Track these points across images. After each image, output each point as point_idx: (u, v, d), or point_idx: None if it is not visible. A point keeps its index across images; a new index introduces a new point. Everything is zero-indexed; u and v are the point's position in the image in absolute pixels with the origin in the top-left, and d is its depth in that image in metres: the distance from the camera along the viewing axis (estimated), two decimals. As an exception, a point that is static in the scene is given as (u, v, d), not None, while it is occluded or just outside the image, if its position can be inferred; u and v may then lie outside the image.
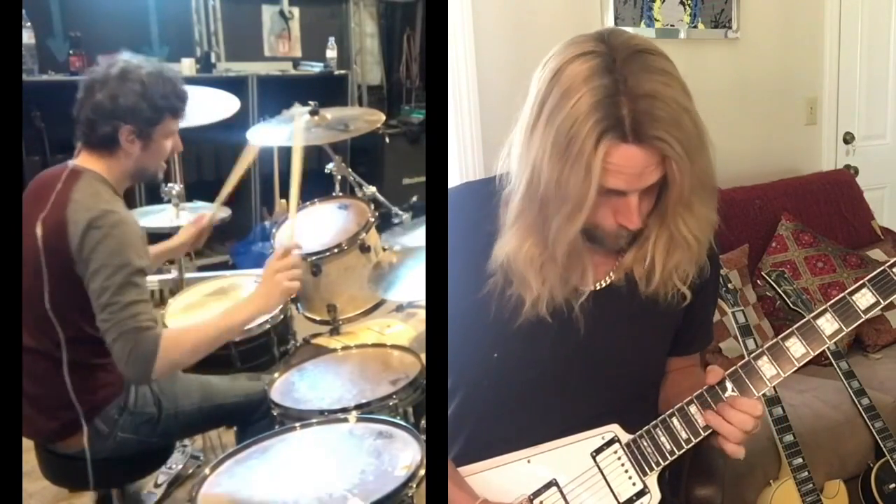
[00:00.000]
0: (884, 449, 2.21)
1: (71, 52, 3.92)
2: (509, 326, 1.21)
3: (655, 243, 1.16)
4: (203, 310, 2.21)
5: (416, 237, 2.18)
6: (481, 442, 1.26)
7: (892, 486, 2.18)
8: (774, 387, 2.04)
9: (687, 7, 3.02)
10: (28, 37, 3.74)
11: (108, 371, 1.70)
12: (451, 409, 1.31)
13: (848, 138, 3.66)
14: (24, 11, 3.64)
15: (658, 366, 1.34)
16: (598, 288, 1.24)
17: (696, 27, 3.05)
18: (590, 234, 1.14)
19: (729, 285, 2.19)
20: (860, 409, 2.24)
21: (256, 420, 1.84)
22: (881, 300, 1.12)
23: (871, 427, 2.22)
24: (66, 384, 1.65)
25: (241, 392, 1.87)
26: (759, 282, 2.62)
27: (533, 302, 1.17)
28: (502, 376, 1.24)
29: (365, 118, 2.46)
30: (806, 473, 2.04)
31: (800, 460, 2.03)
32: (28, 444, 1.78)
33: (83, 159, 1.72)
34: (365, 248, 2.18)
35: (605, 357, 1.25)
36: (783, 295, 2.23)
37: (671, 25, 2.98)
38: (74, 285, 1.59)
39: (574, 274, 1.17)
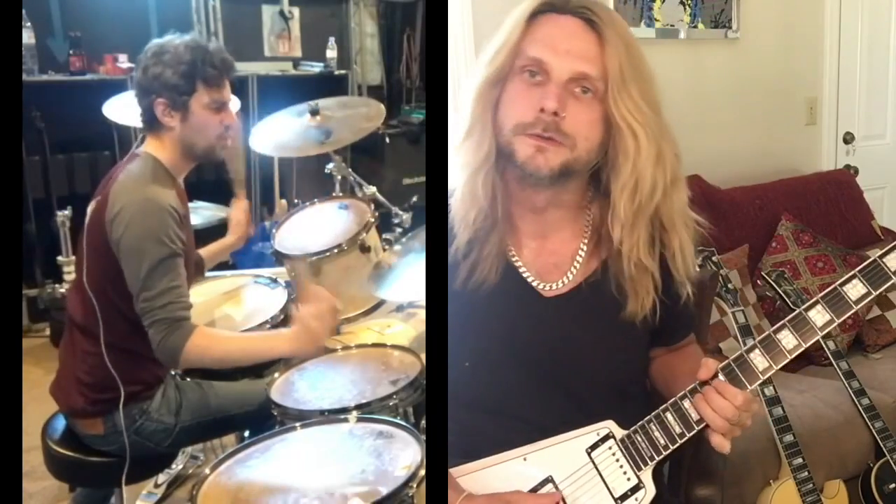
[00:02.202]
0: (884, 449, 2.21)
1: (71, 52, 3.92)
2: (481, 327, 1.22)
3: (614, 189, 1.17)
4: (204, 310, 2.21)
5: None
6: (470, 448, 1.25)
7: (892, 486, 2.18)
8: (774, 387, 2.07)
9: (687, 7, 3.02)
10: (28, 37, 3.73)
11: (141, 364, 1.72)
12: None
13: (848, 138, 3.66)
14: (24, 11, 3.64)
15: (636, 361, 1.33)
16: (559, 288, 1.24)
17: (696, 27, 3.05)
18: (507, 154, 1.16)
19: (729, 285, 2.19)
20: (860, 409, 2.24)
21: (268, 427, 1.84)
22: (872, 290, 1.11)
23: (871, 427, 2.22)
24: (101, 364, 1.68)
25: (255, 402, 1.85)
26: (759, 282, 2.62)
27: (477, 212, 1.19)
28: (477, 384, 1.25)
29: (359, 125, 2.47)
30: (806, 473, 2.04)
31: (800, 460, 2.03)
32: (28, 444, 1.78)
33: (145, 143, 1.76)
34: (365, 249, 2.18)
35: (575, 359, 1.24)
36: (783, 295, 2.23)
37: (671, 25, 2.98)
38: (111, 264, 1.63)
39: (489, 168, 1.18)
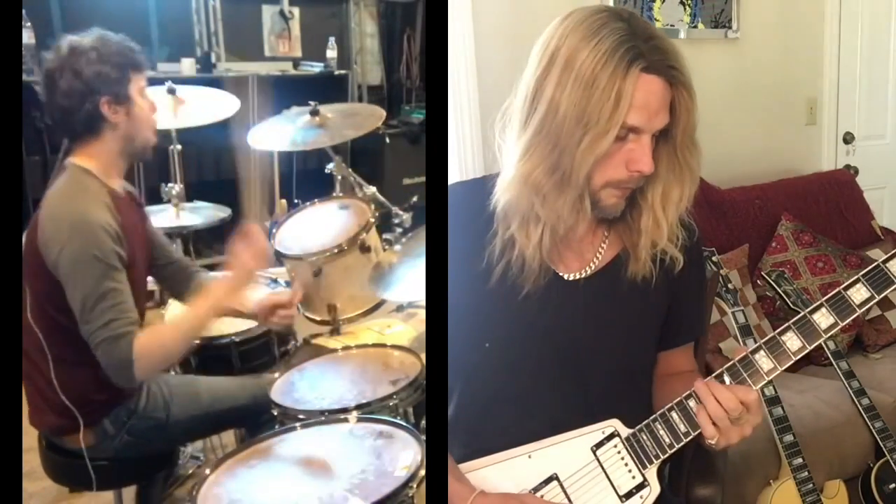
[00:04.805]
0: (884, 449, 2.21)
1: (71, 51, 3.92)
2: (504, 309, 1.24)
3: (653, 199, 1.21)
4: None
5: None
6: (481, 437, 1.27)
7: (892, 486, 2.18)
8: (775, 387, 2.07)
9: (687, 7, 3.02)
10: (28, 37, 3.73)
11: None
12: (452, 402, 1.32)
13: (848, 138, 3.66)
14: (24, 11, 3.64)
15: (648, 353, 1.35)
16: (583, 276, 1.27)
17: (696, 27, 3.05)
18: (594, 199, 1.18)
19: (729, 285, 2.19)
20: (860, 409, 2.24)
21: (264, 423, 1.84)
22: (875, 295, 1.14)
23: (871, 427, 2.22)
24: (71, 381, 1.65)
25: (249, 395, 1.86)
26: (759, 282, 2.62)
27: (533, 247, 1.19)
28: (495, 367, 1.27)
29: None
30: (806, 473, 2.04)
31: (800, 460, 2.03)
32: (28, 444, 1.77)
33: (73, 155, 1.68)
34: (365, 248, 2.18)
35: (593, 345, 1.26)
36: (783, 295, 2.23)
37: (671, 25, 2.98)
38: (51, 286, 1.58)
39: (575, 211, 1.18)
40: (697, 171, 1.22)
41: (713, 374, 1.18)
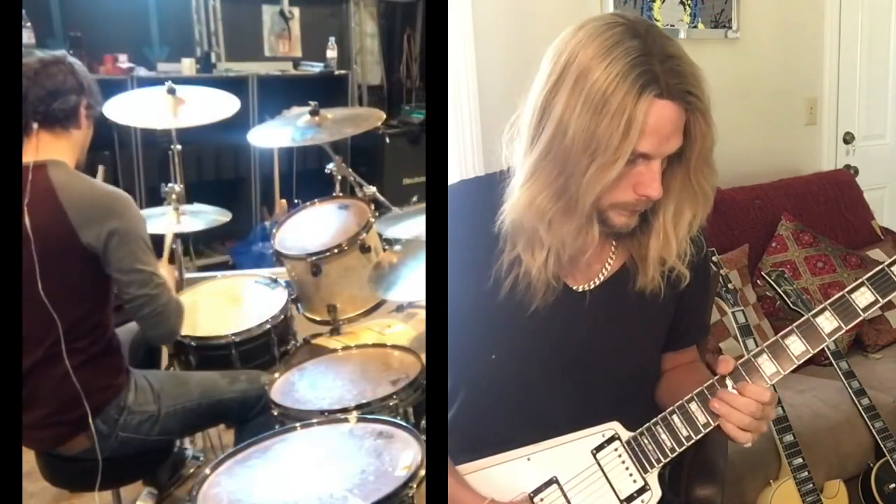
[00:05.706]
0: (884, 449, 2.21)
1: (71, 52, 3.92)
2: (511, 322, 1.22)
3: (664, 216, 1.18)
4: (204, 310, 2.21)
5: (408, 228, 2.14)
6: (482, 440, 1.27)
7: (892, 486, 2.18)
8: (775, 387, 2.06)
9: (687, 7, 3.02)
10: (28, 37, 3.73)
11: (106, 370, 1.71)
12: (453, 408, 1.32)
13: (848, 138, 3.66)
14: (24, 11, 3.64)
15: (654, 361, 1.35)
16: (591, 287, 1.26)
17: (696, 27, 3.05)
18: (601, 217, 1.16)
19: (729, 285, 2.19)
20: (860, 409, 2.24)
21: (254, 417, 1.85)
22: (880, 298, 1.13)
23: (871, 427, 2.22)
24: (61, 387, 1.65)
25: (239, 388, 1.88)
26: (759, 282, 2.62)
27: (538, 268, 1.17)
28: (500, 378, 1.26)
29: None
30: (806, 473, 2.04)
31: (800, 460, 2.04)
32: (28, 445, 1.77)
33: (43, 143, 1.73)
34: (365, 249, 2.18)
35: (601, 355, 1.26)
36: (783, 295, 2.23)
37: (671, 25, 2.98)
38: (74, 271, 1.63)
39: (581, 236, 1.15)
40: (711, 195, 1.18)
41: (714, 378, 1.17)
